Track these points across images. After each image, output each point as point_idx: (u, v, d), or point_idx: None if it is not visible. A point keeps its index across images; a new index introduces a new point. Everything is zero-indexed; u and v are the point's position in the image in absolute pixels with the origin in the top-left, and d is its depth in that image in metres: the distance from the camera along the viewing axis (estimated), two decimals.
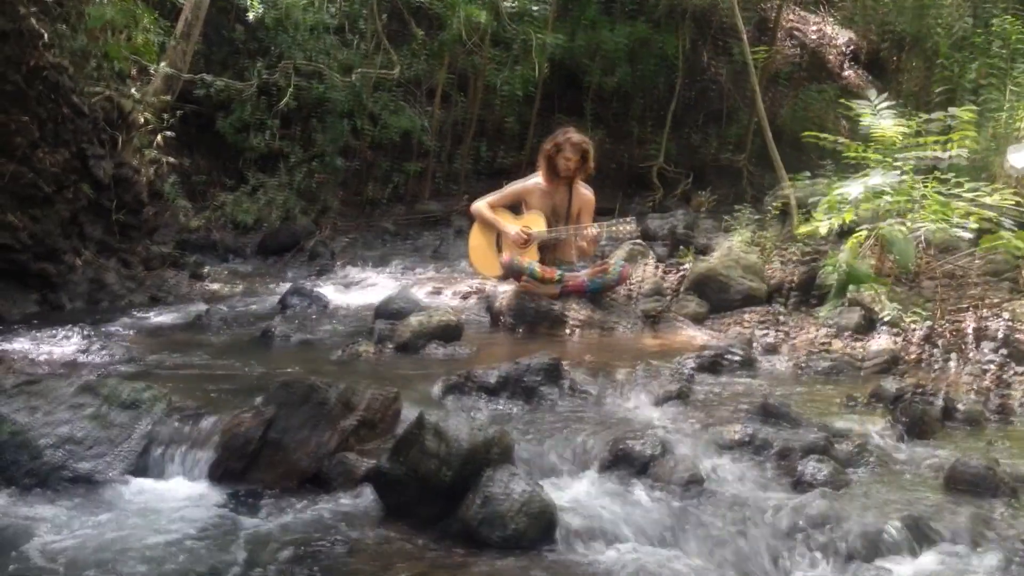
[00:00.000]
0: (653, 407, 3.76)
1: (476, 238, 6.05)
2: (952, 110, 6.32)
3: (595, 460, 3.12)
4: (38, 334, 4.93)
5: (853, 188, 5.58)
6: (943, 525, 2.63)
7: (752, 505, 2.77)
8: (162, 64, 8.58)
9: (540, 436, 3.26)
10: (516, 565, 2.46)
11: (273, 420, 3.11)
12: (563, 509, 2.69)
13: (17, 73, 5.96)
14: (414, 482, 2.72)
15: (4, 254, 5.80)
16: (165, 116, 8.26)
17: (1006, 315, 4.92)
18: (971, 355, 4.66)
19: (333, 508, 2.87)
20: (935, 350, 4.75)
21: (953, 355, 4.67)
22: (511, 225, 5.85)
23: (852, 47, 16.77)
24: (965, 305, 5.27)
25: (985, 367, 4.50)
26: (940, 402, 3.76)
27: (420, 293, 6.68)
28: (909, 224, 5.56)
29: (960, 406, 3.78)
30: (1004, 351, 4.59)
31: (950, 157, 6.16)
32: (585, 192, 5.93)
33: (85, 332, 4.94)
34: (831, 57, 16.65)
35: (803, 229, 6.38)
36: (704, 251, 7.51)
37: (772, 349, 4.94)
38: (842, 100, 8.76)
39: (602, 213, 7.28)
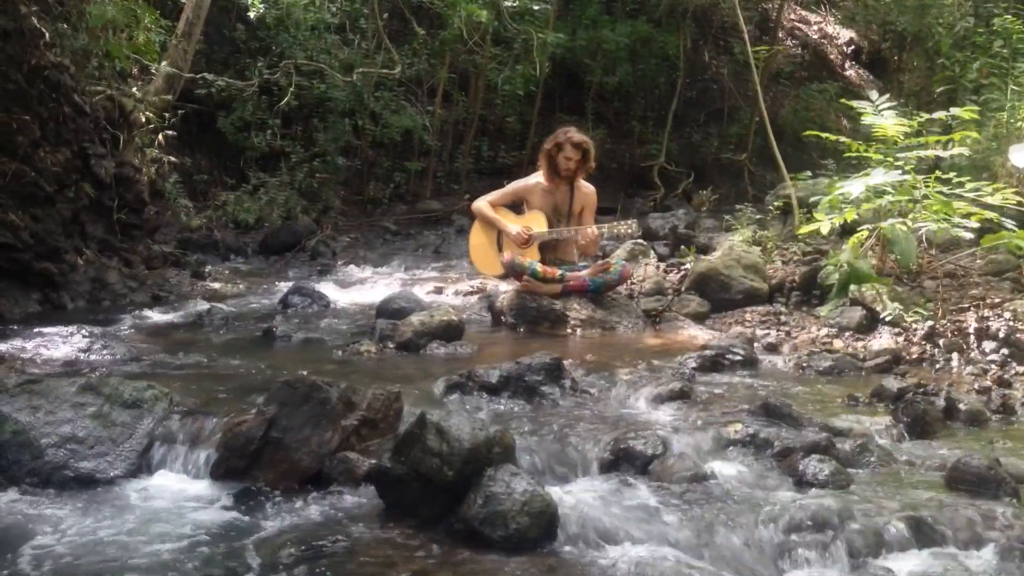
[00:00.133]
0: (654, 406, 3.76)
1: (477, 237, 6.05)
2: (953, 109, 6.33)
3: (596, 459, 3.12)
4: (40, 333, 4.93)
5: (854, 187, 5.58)
6: (945, 524, 2.63)
7: (753, 504, 2.77)
8: (163, 63, 8.59)
9: (541, 435, 3.26)
10: (517, 564, 2.46)
11: (275, 419, 3.11)
12: (564, 508, 2.69)
13: (18, 72, 5.96)
14: (415, 481, 2.72)
15: (6, 253, 5.80)
16: (166, 115, 8.27)
17: (1007, 314, 4.92)
18: (973, 354, 4.66)
19: (334, 507, 2.87)
20: (936, 349, 4.75)
21: (955, 354, 4.67)
22: (512, 224, 5.84)
23: (853, 46, 16.78)
24: (966, 304, 5.27)
25: (987, 366, 4.50)
26: (942, 401, 3.76)
27: (421, 292, 6.68)
28: (910, 223, 5.56)
29: (962, 405, 3.78)
30: (1005, 350, 4.59)
31: (951, 157, 6.16)
32: (587, 189, 5.92)
33: (87, 331, 4.94)
34: (832, 56, 16.65)
35: (804, 228, 6.39)
36: (705, 250, 7.51)
37: (773, 348, 4.94)
38: (843, 100, 8.76)
39: (603, 212, 7.30)
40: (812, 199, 7.15)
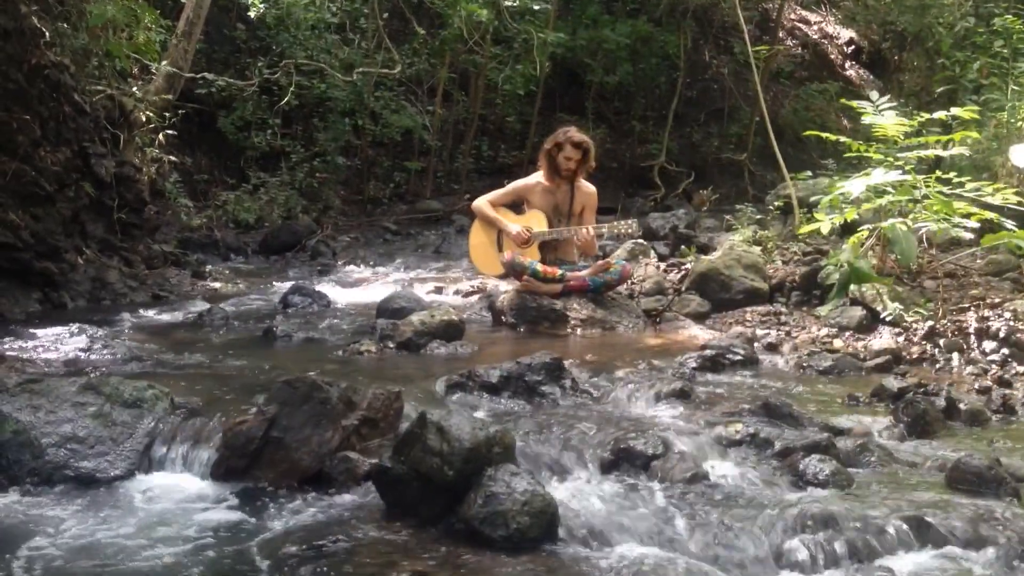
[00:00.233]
0: (654, 405, 3.76)
1: (477, 237, 6.05)
2: (954, 109, 6.33)
3: (597, 458, 3.12)
4: (40, 333, 4.93)
5: (855, 187, 5.58)
6: (945, 524, 2.62)
7: (754, 504, 2.77)
8: (164, 63, 8.58)
9: (542, 434, 3.26)
10: (517, 563, 2.46)
11: (275, 418, 3.11)
12: (565, 507, 2.69)
13: (19, 71, 5.97)
14: (416, 480, 2.72)
15: (6, 252, 5.81)
16: (167, 115, 8.28)
17: (1008, 314, 4.92)
18: (973, 354, 4.66)
19: (335, 506, 2.88)
20: (937, 349, 4.76)
21: (955, 354, 4.67)
22: (512, 224, 5.84)
23: (853, 45, 16.78)
24: (967, 304, 5.27)
25: (987, 366, 4.50)
26: (942, 401, 3.76)
27: (421, 292, 6.69)
28: (911, 223, 5.56)
29: (962, 404, 3.78)
30: (1006, 350, 4.59)
31: (952, 156, 6.16)
32: (588, 189, 5.92)
33: (87, 331, 4.94)
34: (833, 55, 16.65)
35: (805, 228, 6.39)
36: (705, 249, 7.51)
37: (774, 348, 4.94)
38: (843, 100, 8.76)
39: (604, 212, 7.30)
40: (812, 199, 7.15)
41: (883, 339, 4.96)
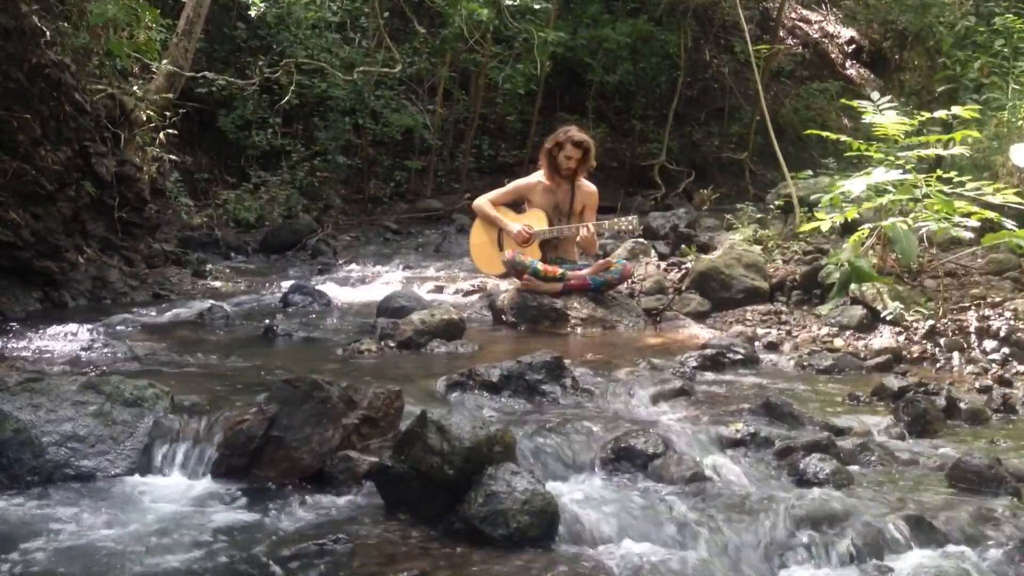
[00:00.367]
0: (655, 404, 3.76)
1: (478, 235, 6.05)
2: (954, 108, 6.33)
3: (597, 457, 3.12)
4: (41, 332, 4.94)
5: (855, 185, 5.59)
6: (946, 522, 2.62)
7: (754, 502, 2.77)
8: (164, 62, 8.59)
9: (542, 433, 3.26)
10: (518, 562, 2.46)
11: (276, 417, 3.11)
12: (565, 506, 2.69)
13: (19, 71, 5.97)
14: (416, 479, 2.72)
15: (7, 251, 5.81)
16: (167, 114, 8.28)
17: (1008, 313, 4.92)
18: (973, 353, 4.67)
19: (335, 505, 2.87)
20: (937, 348, 4.76)
21: (955, 353, 4.67)
22: (513, 223, 5.84)
23: (854, 44, 16.78)
24: (967, 303, 5.27)
25: (987, 365, 4.50)
26: (942, 400, 3.76)
27: (422, 290, 6.69)
28: (911, 222, 5.56)
29: (962, 404, 3.78)
30: (1006, 349, 4.60)
31: (952, 156, 6.16)
32: (588, 188, 5.92)
33: (88, 330, 4.94)
34: (833, 54, 16.64)
35: (805, 226, 6.39)
36: (706, 248, 7.51)
37: (774, 347, 4.94)
38: (843, 99, 8.76)
39: (604, 211, 7.29)
40: (813, 197, 7.15)
41: (884, 338, 4.96)
